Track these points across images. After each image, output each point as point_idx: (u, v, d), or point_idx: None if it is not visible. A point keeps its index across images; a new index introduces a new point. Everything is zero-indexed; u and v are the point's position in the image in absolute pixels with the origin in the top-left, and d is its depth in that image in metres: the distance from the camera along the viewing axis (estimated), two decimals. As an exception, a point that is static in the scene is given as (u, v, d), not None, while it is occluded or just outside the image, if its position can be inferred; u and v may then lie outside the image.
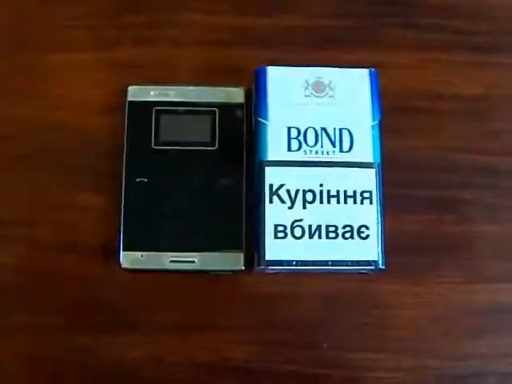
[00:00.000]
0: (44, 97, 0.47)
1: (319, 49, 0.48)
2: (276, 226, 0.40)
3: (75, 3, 0.49)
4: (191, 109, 0.45)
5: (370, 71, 0.43)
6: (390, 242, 0.44)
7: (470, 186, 0.47)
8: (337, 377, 0.44)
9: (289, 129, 0.42)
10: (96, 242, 0.45)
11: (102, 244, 0.45)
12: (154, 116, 0.45)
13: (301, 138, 0.41)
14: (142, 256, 0.43)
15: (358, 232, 0.41)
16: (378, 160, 0.42)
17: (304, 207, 0.41)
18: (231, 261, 0.43)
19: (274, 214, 0.40)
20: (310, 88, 0.42)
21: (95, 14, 0.49)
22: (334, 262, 0.40)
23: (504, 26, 0.49)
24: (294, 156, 0.41)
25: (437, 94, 0.48)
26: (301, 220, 0.40)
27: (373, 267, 0.41)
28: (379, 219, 0.41)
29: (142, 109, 0.45)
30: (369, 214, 0.41)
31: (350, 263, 0.41)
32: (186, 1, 0.49)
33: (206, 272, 0.43)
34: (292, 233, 0.40)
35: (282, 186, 0.41)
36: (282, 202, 0.41)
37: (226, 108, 0.45)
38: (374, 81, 0.43)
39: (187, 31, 0.49)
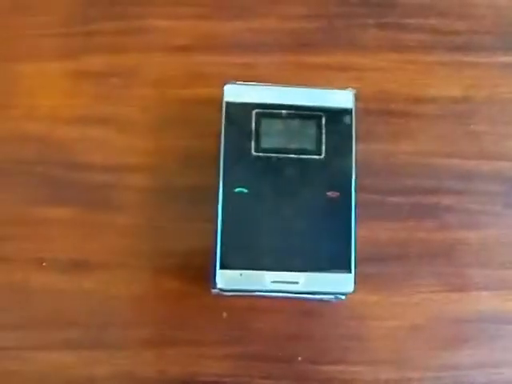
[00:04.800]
0: (11, 107, 0.46)
1: (292, 52, 0.47)
2: None
3: (42, 12, 0.48)
4: (295, 112, 0.41)
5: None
6: (366, 251, 0.43)
7: (449, 191, 0.46)
8: (313, 390, 0.43)
9: None
10: (65, 256, 0.44)
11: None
12: (254, 119, 0.40)
13: None
14: (240, 275, 0.38)
15: None
16: None
17: None
18: (339, 283, 0.38)
19: None
20: None
21: (62, 22, 0.47)
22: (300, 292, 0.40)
23: (482, 24, 0.48)
24: None
25: (414, 96, 0.47)
26: None
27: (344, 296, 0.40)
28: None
29: (241, 111, 0.40)
30: None
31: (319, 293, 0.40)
32: (153, 7, 0.47)
33: (311, 294, 0.39)
34: None
35: None
36: None
37: (333, 113, 0.41)
38: None
39: (155, 38, 0.47)
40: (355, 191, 0.39)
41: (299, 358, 0.43)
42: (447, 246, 0.45)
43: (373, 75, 0.47)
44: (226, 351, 0.43)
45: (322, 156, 0.40)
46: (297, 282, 0.38)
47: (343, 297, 0.40)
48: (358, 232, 0.40)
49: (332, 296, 0.40)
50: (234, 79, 0.41)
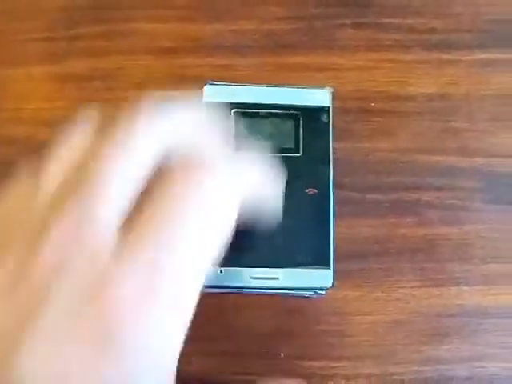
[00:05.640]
0: (-2, 111, 0.47)
1: (271, 53, 0.47)
2: None
3: (27, 17, 0.48)
4: (273, 112, 0.41)
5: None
6: (346, 248, 0.43)
7: (429, 187, 0.46)
8: (295, 386, 0.44)
9: None
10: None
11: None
12: (232, 119, 0.41)
13: None
14: (220, 272, 0.39)
15: None
16: None
17: None
18: (318, 278, 0.40)
19: None
20: None
21: (46, 27, 0.48)
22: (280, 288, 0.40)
23: (460, 22, 0.48)
24: None
25: (392, 94, 0.47)
26: None
27: (324, 291, 0.40)
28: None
29: (220, 111, 0.41)
30: None
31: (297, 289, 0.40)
32: (135, 10, 0.48)
33: (291, 290, 0.40)
34: None
35: None
36: None
37: (311, 111, 0.41)
38: None
39: (138, 40, 0.48)
40: (333, 188, 0.40)
41: (281, 355, 0.44)
42: (428, 242, 0.45)
43: (351, 74, 0.47)
44: (209, 348, 0.44)
45: (300, 154, 0.41)
46: (276, 278, 0.39)
47: (323, 292, 0.40)
48: (338, 229, 0.41)
49: (312, 292, 0.40)
50: (215, 81, 0.41)
